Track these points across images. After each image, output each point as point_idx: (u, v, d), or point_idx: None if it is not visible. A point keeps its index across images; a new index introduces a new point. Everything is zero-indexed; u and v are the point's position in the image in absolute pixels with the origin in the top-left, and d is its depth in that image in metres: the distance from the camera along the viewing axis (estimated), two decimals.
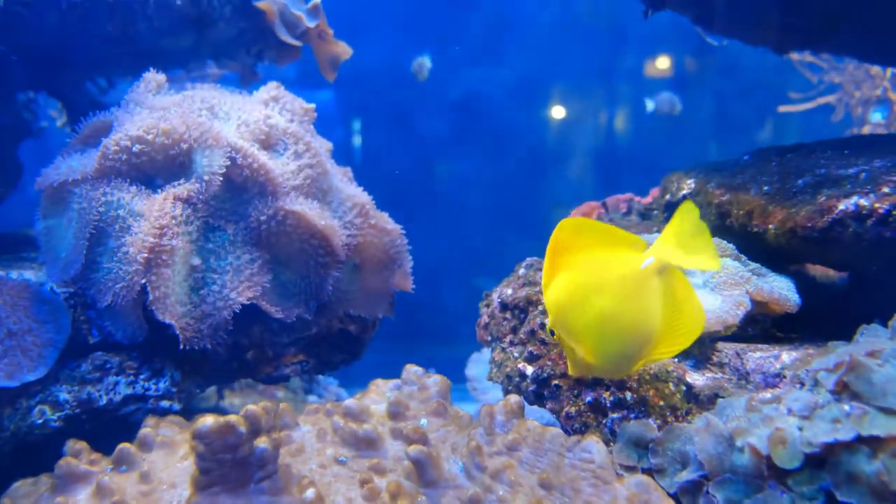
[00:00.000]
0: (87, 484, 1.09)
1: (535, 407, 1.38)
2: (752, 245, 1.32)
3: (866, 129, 3.48)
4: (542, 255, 1.74)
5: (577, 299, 1.00)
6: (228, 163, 1.36)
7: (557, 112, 4.76)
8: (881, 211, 1.11)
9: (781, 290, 1.22)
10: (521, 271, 1.66)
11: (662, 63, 4.55)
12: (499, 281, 1.69)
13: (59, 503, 1.04)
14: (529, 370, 1.36)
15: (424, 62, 3.62)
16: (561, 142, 4.78)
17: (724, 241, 1.32)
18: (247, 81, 2.15)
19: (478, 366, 2.37)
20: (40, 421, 1.27)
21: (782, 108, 3.67)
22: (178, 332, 1.28)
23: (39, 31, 1.64)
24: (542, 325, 1.40)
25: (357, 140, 4.69)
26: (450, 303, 3.98)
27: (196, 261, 1.34)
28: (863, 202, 1.13)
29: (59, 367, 1.30)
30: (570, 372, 1.08)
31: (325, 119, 1.71)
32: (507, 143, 4.67)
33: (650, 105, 3.80)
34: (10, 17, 1.53)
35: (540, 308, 1.46)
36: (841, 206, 1.15)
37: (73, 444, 1.17)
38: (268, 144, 1.49)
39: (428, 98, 4.43)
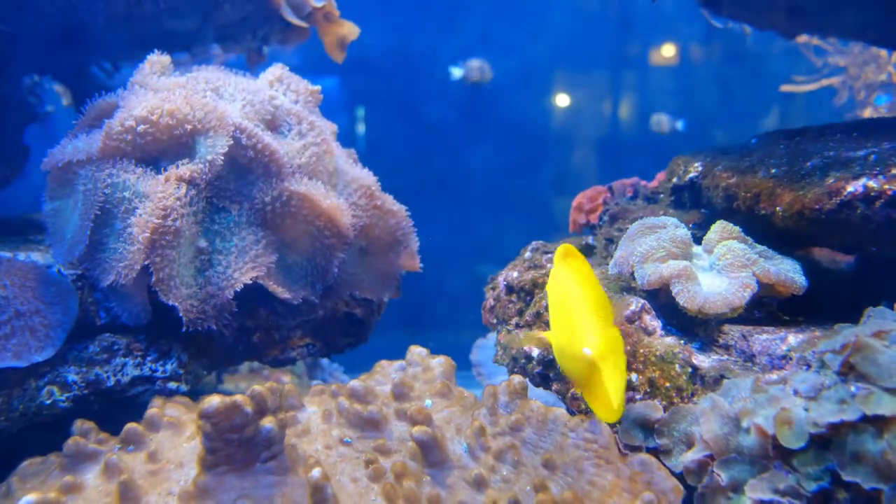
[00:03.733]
0: (95, 463, 1.10)
1: (541, 390, 1.39)
2: (759, 228, 1.31)
3: (868, 113, 3.46)
4: (546, 239, 1.75)
5: (553, 321, 1.16)
6: (232, 143, 1.35)
7: (562, 99, 4.74)
8: (890, 193, 1.10)
9: (788, 273, 1.21)
10: (527, 255, 1.66)
11: (668, 50, 4.52)
12: (503, 267, 1.69)
13: (68, 482, 1.04)
14: (535, 352, 1.36)
15: (484, 67, 3.54)
16: (566, 128, 4.76)
17: (731, 224, 1.31)
18: (252, 64, 2.14)
19: (483, 351, 2.37)
20: (49, 401, 1.28)
21: (784, 88, 3.65)
22: (181, 314, 1.29)
23: (45, 13, 1.63)
24: (548, 307, 1.40)
25: (361, 127, 4.68)
26: (454, 289, 3.98)
27: (202, 243, 1.34)
28: (871, 184, 1.12)
29: (67, 348, 1.31)
30: None
31: (330, 105, 1.70)
32: (512, 130, 4.65)
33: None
34: None
35: (546, 290, 1.46)
36: (849, 188, 1.14)
37: (82, 424, 1.18)
38: (273, 125, 1.49)
39: (433, 84, 4.40)
